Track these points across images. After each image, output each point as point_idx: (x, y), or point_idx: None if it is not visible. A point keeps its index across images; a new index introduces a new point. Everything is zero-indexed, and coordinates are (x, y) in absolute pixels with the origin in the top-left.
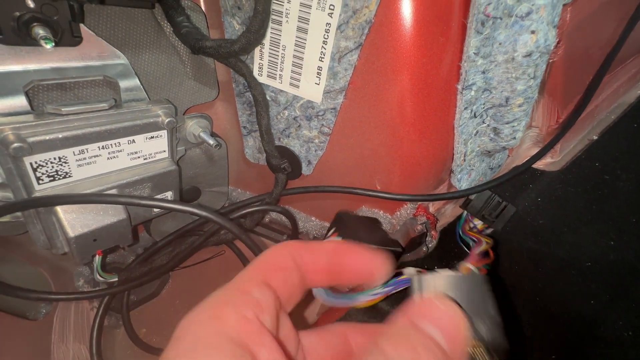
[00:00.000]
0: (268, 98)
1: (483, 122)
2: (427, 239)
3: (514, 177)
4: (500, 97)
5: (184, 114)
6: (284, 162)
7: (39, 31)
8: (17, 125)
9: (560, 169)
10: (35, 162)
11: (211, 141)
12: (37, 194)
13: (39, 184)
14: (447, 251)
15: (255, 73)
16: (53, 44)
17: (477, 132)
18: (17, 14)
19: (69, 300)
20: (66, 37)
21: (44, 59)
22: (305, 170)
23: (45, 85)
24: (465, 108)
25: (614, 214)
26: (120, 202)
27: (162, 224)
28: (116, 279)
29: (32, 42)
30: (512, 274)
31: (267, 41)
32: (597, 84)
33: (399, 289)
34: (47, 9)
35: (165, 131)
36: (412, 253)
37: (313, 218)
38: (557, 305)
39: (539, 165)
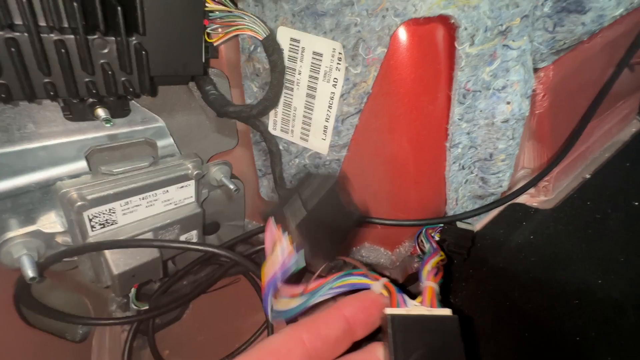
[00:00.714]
0: (281, 147)
1: (471, 173)
2: None
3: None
4: (485, 153)
5: (207, 162)
6: None
7: (101, 114)
8: (80, 186)
9: (553, 207)
10: (91, 214)
11: (232, 186)
12: (90, 239)
13: (92, 231)
14: None
15: (270, 128)
16: (112, 123)
17: (466, 180)
18: (90, 100)
19: (108, 325)
20: (118, 111)
21: (100, 129)
22: None
23: (100, 149)
24: (454, 162)
25: (603, 252)
26: (156, 245)
27: (185, 256)
28: (147, 307)
29: (94, 118)
30: (504, 309)
31: (281, 103)
32: (581, 131)
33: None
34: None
35: (193, 181)
36: (412, 286)
37: None
38: (545, 340)
39: (533, 203)
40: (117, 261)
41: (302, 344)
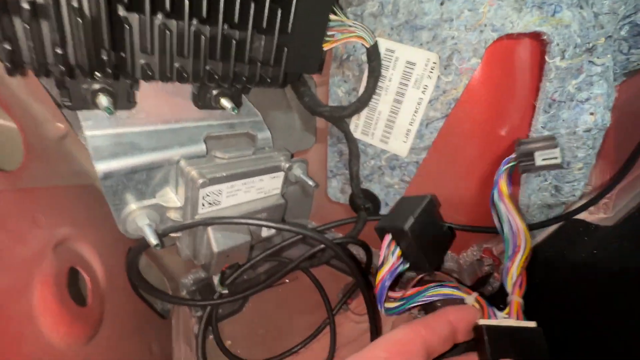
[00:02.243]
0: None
1: (545, 181)
2: (491, 279)
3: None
4: (563, 162)
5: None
6: (368, 203)
7: (227, 104)
8: (200, 166)
9: (614, 224)
10: (206, 193)
11: (311, 182)
12: (198, 217)
13: (202, 208)
14: None
15: (352, 129)
16: (237, 111)
17: (539, 187)
18: (214, 92)
19: (191, 305)
20: (236, 102)
21: (217, 118)
22: (383, 210)
23: (213, 136)
24: None
25: None
26: (263, 224)
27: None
28: (227, 292)
29: (216, 107)
30: (572, 324)
31: (367, 106)
32: None
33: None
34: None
35: (283, 172)
36: (480, 290)
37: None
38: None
39: (593, 219)
40: (218, 239)
41: (421, 336)
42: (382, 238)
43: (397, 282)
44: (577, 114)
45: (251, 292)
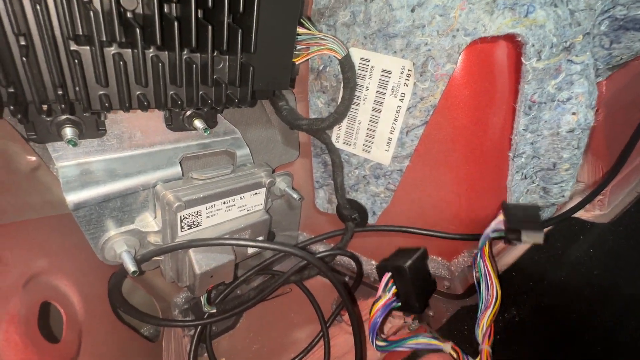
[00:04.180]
0: (342, 160)
1: (533, 183)
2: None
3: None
4: (548, 163)
5: (272, 172)
6: (355, 213)
7: (199, 124)
8: (176, 189)
9: (610, 221)
10: (183, 215)
11: (296, 195)
12: (178, 239)
13: (181, 231)
14: None
15: (333, 140)
16: (209, 132)
17: (527, 190)
18: (187, 113)
19: (180, 326)
20: (210, 123)
21: (193, 139)
22: (371, 220)
23: (190, 157)
24: (517, 172)
25: None
26: (242, 244)
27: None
28: (215, 311)
29: (190, 128)
30: (570, 323)
31: (345, 117)
32: (634, 144)
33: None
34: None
35: (265, 188)
36: (470, 298)
37: (373, 261)
38: (618, 356)
39: (589, 217)
40: (200, 261)
41: None
42: (381, 276)
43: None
44: (559, 115)
45: (241, 310)
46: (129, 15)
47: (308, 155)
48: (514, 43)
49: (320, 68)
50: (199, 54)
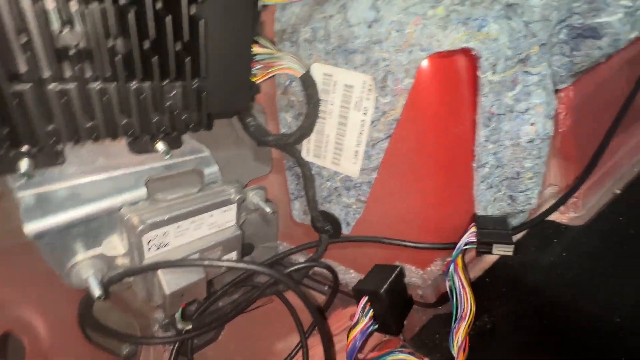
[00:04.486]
0: (313, 172)
1: (499, 191)
2: None
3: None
4: (512, 172)
5: (245, 187)
6: (327, 225)
7: (161, 147)
8: (140, 212)
9: (585, 224)
10: (149, 237)
11: (268, 209)
12: (146, 261)
13: (148, 252)
14: None
15: (304, 154)
16: (170, 155)
17: (494, 199)
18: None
19: (156, 344)
20: (173, 144)
21: (157, 160)
22: (345, 230)
23: (156, 178)
24: (482, 182)
25: None
26: (208, 265)
27: (220, 278)
28: (191, 327)
29: (153, 151)
30: (545, 329)
31: (314, 131)
32: (606, 146)
33: None
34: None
35: (234, 205)
36: (444, 306)
37: (351, 271)
38: None
39: (563, 219)
40: (169, 281)
41: None
42: (358, 300)
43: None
44: (518, 125)
45: (217, 325)
46: (72, 50)
47: (283, 167)
48: (470, 57)
49: (287, 84)
50: (149, 83)
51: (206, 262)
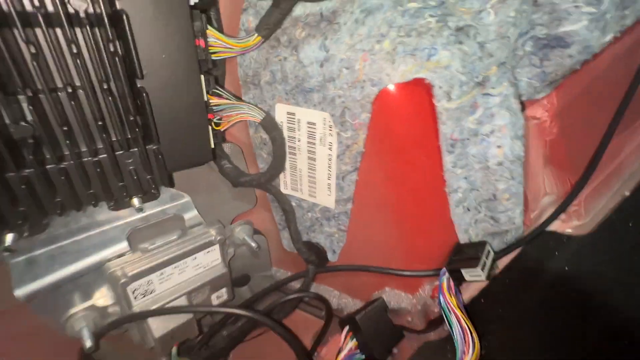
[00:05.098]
0: (294, 204)
1: (479, 213)
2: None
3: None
4: (488, 194)
5: (230, 224)
6: (312, 256)
7: (135, 203)
8: (123, 264)
9: (589, 232)
10: (134, 288)
11: (253, 244)
12: (135, 308)
13: (135, 300)
14: None
15: (282, 187)
16: (143, 211)
17: (475, 220)
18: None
19: None
20: (150, 197)
21: (137, 213)
22: (332, 258)
23: (138, 229)
24: (457, 205)
25: None
26: (184, 311)
27: None
28: None
29: (130, 206)
30: (553, 349)
31: (288, 166)
32: (604, 148)
33: None
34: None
35: (217, 245)
36: (435, 332)
37: (346, 296)
38: None
39: (566, 229)
40: (157, 326)
41: None
42: (342, 329)
43: None
44: (485, 148)
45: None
46: (29, 140)
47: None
48: (424, 86)
49: (257, 124)
50: (105, 156)
51: (184, 308)
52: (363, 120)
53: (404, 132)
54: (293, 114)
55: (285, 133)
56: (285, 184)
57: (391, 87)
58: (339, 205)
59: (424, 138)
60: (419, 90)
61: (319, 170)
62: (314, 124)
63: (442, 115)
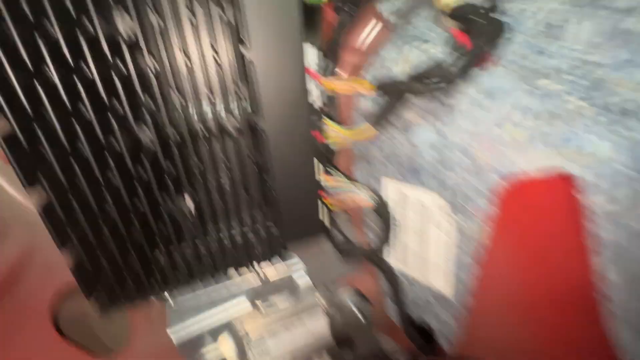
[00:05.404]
0: (403, 279)
1: None
2: None
3: None
4: None
5: (335, 283)
6: (421, 340)
7: (258, 269)
8: (243, 322)
9: None
10: (251, 344)
11: (358, 312)
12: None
13: (249, 352)
14: None
15: (389, 259)
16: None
17: None
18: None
19: None
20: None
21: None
22: (445, 346)
23: (257, 290)
24: (617, 320)
25: None
26: None
27: None
28: None
29: (253, 272)
30: None
31: (395, 240)
32: None
33: None
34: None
35: (324, 309)
36: None
37: None
38: None
39: None
40: None
41: None
42: None
43: None
44: None
45: None
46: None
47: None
48: (569, 180)
49: None
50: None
51: None
52: (486, 211)
53: (540, 228)
54: (402, 192)
55: (393, 209)
56: (392, 255)
57: (527, 180)
58: (457, 295)
59: (567, 235)
60: (560, 183)
61: (431, 252)
62: (424, 203)
63: (598, 217)
